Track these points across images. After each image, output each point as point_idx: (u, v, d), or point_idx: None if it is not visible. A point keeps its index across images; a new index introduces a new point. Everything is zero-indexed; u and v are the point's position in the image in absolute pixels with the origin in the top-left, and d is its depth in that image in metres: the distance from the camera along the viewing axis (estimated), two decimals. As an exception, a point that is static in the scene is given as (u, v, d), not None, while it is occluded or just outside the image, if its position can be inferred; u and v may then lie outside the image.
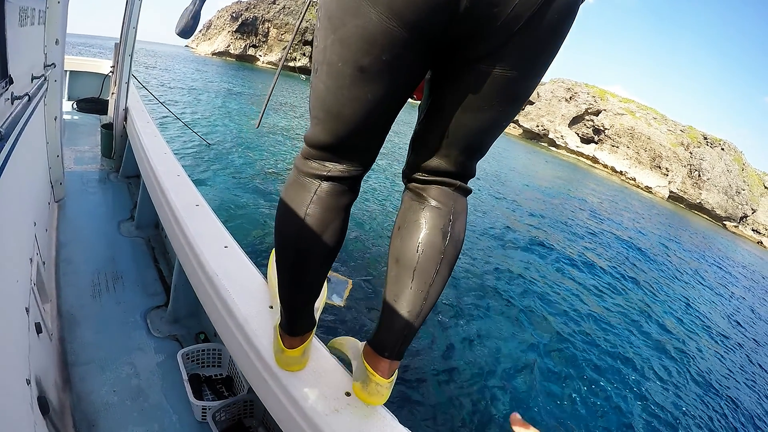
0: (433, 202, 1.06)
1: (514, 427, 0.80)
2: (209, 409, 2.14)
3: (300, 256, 1.03)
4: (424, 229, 1.04)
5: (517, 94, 0.90)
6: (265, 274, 1.79)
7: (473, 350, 5.79)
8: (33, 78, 2.19)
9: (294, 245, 1.02)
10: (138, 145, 3.59)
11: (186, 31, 1.43)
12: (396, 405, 4.34)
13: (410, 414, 4.35)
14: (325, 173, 0.98)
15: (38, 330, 1.79)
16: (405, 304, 1.05)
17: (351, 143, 0.95)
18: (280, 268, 1.10)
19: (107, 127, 4.83)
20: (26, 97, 1.63)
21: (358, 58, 0.81)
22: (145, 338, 2.64)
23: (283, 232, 1.03)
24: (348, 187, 1.02)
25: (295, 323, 1.22)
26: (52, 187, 3.58)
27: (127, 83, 4.60)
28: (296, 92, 37.27)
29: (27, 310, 1.61)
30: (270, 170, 11.98)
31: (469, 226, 10.85)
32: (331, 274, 1.74)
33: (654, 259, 14.96)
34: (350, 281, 2.08)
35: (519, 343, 6.33)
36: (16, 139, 1.44)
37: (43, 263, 2.49)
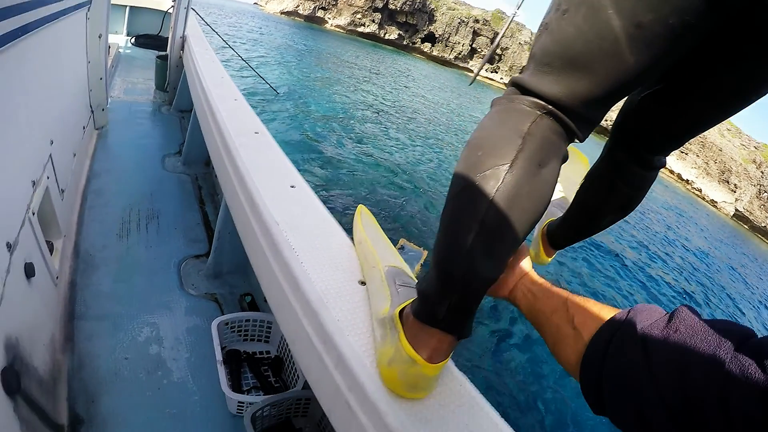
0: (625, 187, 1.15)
1: None
2: (248, 405, 1.61)
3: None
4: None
5: None
6: (349, 233, 1.36)
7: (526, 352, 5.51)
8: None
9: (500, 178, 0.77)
10: (192, 70, 3.22)
11: None
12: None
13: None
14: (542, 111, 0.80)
15: (29, 273, 1.44)
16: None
17: (583, 107, 0.79)
18: (464, 215, 0.79)
19: (163, 58, 4.63)
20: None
21: (638, 11, 0.67)
22: (176, 294, 2.16)
23: (479, 163, 0.79)
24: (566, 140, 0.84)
25: (467, 317, 0.80)
26: (92, 112, 3.23)
27: (186, 9, 4.35)
28: (360, 54, 37.03)
29: (9, 245, 1.27)
30: (341, 123, 12.41)
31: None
32: (404, 242, 1.40)
33: (719, 282, 13.87)
34: (425, 252, 1.83)
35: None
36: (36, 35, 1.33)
37: (61, 191, 2.07)
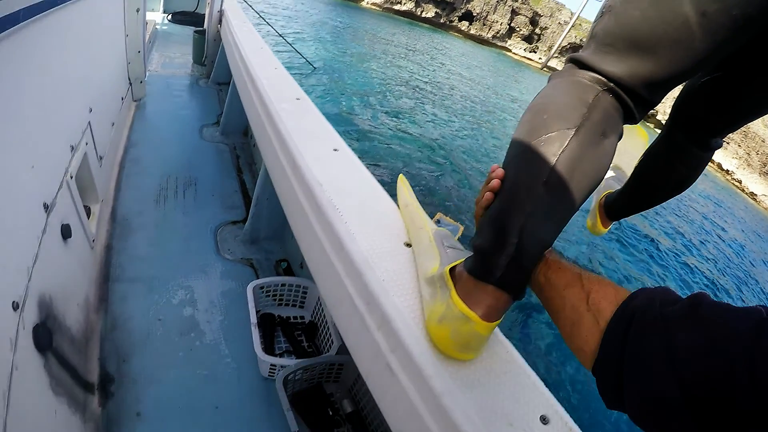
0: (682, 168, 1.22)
1: None
2: (280, 368, 1.59)
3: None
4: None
5: None
6: (393, 197, 1.31)
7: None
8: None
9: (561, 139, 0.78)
10: (231, 42, 3.19)
11: None
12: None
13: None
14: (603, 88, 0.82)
15: (65, 234, 1.44)
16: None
17: (643, 88, 0.80)
18: (527, 174, 0.79)
19: (200, 33, 4.63)
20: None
21: (704, 0, 0.69)
22: (211, 258, 2.15)
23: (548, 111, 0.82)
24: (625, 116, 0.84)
25: (523, 276, 0.78)
26: (130, 84, 3.25)
27: (222, -15, 4.33)
28: (396, 32, 36.34)
29: (46, 206, 1.28)
30: (377, 98, 12.40)
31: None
32: (440, 215, 1.33)
33: (753, 276, 13.30)
34: (461, 227, 1.68)
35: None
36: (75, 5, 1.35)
37: (99, 158, 2.08)
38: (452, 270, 0.84)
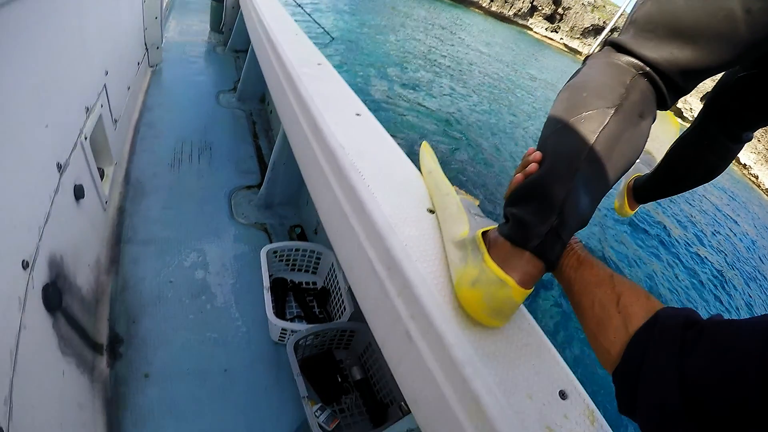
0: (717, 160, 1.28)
1: None
2: (290, 333, 1.58)
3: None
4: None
5: None
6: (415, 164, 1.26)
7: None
8: None
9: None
10: (250, 8, 3.12)
11: None
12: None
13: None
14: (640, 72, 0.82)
15: (78, 195, 1.44)
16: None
17: (679, 76, 0.81)
18: (568, 147, 0.78)
19: (218, 0, 4.59)
20: None
21: None
22: (225, 222, 2.14)
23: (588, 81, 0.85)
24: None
25: (559, 246, 0.75)
26: (146, 49, 3.23)
27: (239, -51, 4.29)
28: (416, 5, 35.54)
29: (59, 166, 1.27)
30: (395, 71, 12.28)
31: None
32: (456, 189, 1.24)
33: (762, 271, 13.12)
34: (477, 200, 1.67)
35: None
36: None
37: (114, 121, 2.07)
38: (485, 234, 0.83)
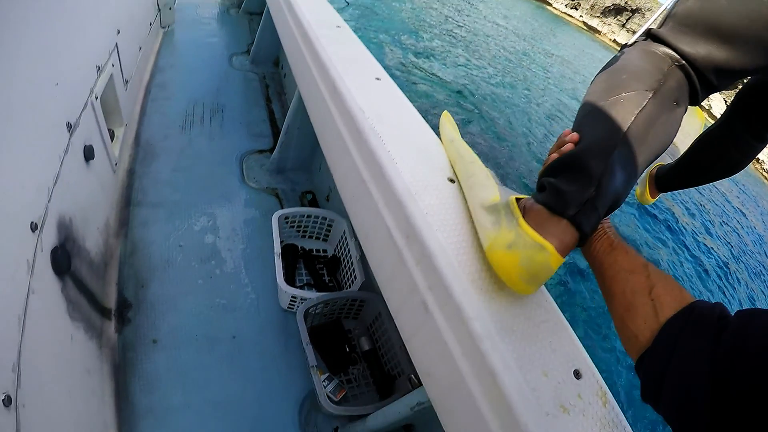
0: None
1: None
2: (300, 301, 1.56)
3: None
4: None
5: None
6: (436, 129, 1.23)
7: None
8: None
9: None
10: None
11: None
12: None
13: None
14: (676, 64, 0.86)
15: (88, 156, 1.41)
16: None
17: (713, 73, 0.84)
18: (608, 123, 0.80)
19: None
20: None
21: None
22: (236, 186, 2.12)
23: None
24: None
25: (596, 218, 0.76)
26: (159, 9, 3.16)
27: None
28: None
29: (69, 126, 1.25)
30: (410, 39, 12.23)
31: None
32: None
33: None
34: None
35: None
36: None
37: (125, 81, 2.02)
38: (518, 201, 0.82)
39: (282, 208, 2.03)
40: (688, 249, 9.41)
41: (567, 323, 0.83)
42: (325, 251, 1.91)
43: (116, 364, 1.36)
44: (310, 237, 1.92)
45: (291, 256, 1.77)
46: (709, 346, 0.52)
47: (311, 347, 1.39)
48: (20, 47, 0.97)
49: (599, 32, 43.49)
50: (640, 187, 1.74)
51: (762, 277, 11.11)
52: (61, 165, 1.15)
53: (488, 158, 7.14)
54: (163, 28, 3.27)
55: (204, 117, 2.49)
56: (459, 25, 17.25)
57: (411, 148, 1.05)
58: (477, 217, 0.85)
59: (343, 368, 1.56)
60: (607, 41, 42.61)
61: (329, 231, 1.91)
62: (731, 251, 11.09)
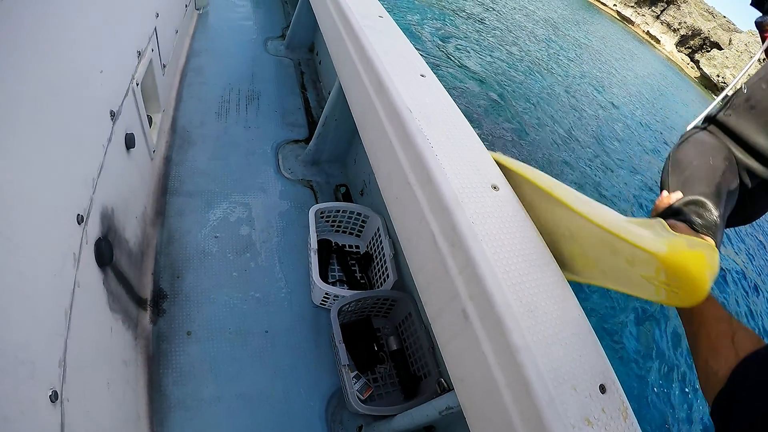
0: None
1: None
2: (333, 298, 1.57)
3: None
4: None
5: None
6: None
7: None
8: None
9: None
10: None
11: None
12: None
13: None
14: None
15: (129, 144, 1.41)
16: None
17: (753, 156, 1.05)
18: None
19: None
20: None
21: None
22: (271, 176, 2.12)
23: None
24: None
25: (720, 236, 0.96)
26: None
27: None
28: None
29: (112, 114, 1.24)
30: (436, 24, 12.20)
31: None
32: (499, 155, 1.22)
33: None
34: None
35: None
36: None
37: (163, 66, 2.02)
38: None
39: (316, 200, 2.03)
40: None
41: (595, 336, 0.84)
42: (357, 247, 1.91)
43: (150, 356, 1.38)
44: (344, 232, 1.91)
45: (325, 251, 1.77)
46: None
47: (344, 346, 1.39)
48: (68, 34, 0.98)
49: (632, 23, 42.56)
50: None
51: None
52: (105, 154, 1.15)
53: (507, 146, 7.14)
54: (197, 10, 3.26)
55: (240, 103, 2.49)
56: (489, 11, 16.98)
57: (457, 152, 1.04)
58: (629, 230, 0.86)
59: (371, 367, 1.56)
60: (640, 33, 41.69)
61: (363, 227, 1.90)
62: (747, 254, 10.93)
